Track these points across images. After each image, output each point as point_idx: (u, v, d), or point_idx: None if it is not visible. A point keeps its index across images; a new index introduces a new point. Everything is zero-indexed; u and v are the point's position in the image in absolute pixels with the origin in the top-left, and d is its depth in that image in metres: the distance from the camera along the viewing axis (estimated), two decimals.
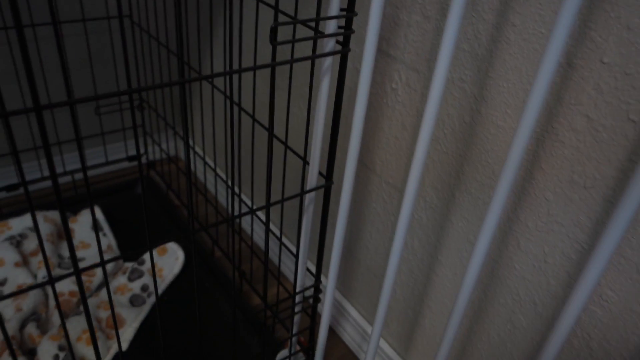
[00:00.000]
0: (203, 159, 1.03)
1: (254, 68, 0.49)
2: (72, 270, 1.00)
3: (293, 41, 0.49)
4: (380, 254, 0.80)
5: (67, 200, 1.16)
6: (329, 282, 0.65)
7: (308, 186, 0.64)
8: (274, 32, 0.48)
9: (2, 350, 0.82)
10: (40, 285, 0.46)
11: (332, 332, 0.96)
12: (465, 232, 0.64)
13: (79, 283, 0.48)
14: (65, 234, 0.45)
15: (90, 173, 1.28)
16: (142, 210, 1.17)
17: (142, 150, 1.31)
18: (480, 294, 0.66)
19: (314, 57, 0.54)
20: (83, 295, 0.50)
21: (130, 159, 1.26)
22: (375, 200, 0.78)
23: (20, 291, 0.45)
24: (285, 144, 0.66)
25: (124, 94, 0.41)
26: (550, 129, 0.52)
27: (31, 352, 0.83)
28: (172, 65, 1.14)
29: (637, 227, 0.47)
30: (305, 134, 0.61)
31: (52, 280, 0.47)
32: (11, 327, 0.87)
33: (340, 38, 0.55)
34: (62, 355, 0.81)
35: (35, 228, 0.43)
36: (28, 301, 0.90)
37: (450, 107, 0.62)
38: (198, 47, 0.88)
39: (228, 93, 0.94)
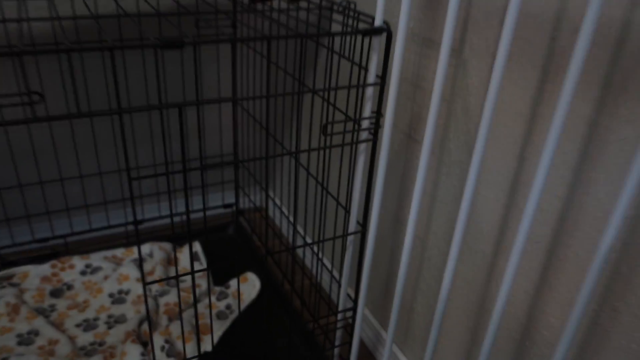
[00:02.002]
0: (280, 208, 1.32)
1: (310, 150, 0.77)
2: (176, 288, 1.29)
3: (340, 133, 0.77)
4: (408, 292, 1.03)
5: (176, 236, 1.48)
6: (360, 303, 0.89)
7: (349, 231, 0.90)
8: (324, 127, 0.75)
9: (127, 338, 1.12)
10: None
11: (372, 356, 1.18)
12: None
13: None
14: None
15: (193, 216, 1.61)
16: (232, 248, 1.47)
17: (234, 200, 1.63)
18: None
19: (354, 143, 0.81)
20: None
21: (225, 206, 1.58)
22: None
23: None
24: (336, 199, 0.93)
25: (228, 163, 0.70)
26: None
27: (144, 344, 1.13)
28: (264, 138, 1.45)
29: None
30: (348, 193, 0.88)
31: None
32: (132, 324, 1.17)
33: (372, 130, 0.82)
34: (167, 346, 1.09)
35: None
36: (144, 307, 1.21)
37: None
38: (282, 128, 1.19)
39: (303, 165, 1.23)
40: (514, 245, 0.61)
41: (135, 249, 1.40)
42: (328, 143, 0.80)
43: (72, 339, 1.14)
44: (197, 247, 1.44)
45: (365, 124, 0.80)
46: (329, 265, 1.33)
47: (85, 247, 1.44)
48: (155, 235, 1.49)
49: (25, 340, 1.13)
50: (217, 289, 1.31)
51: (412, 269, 1.00)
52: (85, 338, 1.15)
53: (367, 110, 0.80)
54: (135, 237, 1.51)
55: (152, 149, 1.46)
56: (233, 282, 1.31)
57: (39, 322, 1.16)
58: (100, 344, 1.14)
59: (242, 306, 1.25)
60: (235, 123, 1.48)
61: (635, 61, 0.55)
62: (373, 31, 0.72)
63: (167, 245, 1.42)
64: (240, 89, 1.45)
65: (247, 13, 1.03)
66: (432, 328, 0.77)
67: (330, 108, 1.05)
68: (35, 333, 1.14)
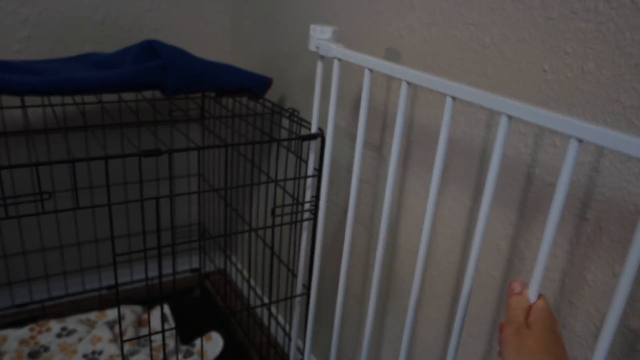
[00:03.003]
0: (240, 272, 1.49)
1: (258, 228, 0.96)
2: (148, 346, 1.43)
3: (288, 213, 0.96)
4: (351, 342, 1.21)
5: (146, 299, 1.63)
6: (306, 355, 1.06)
7: (297, 292, 1.08)
8: (273, 211, 0.95)
9: None
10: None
11: None
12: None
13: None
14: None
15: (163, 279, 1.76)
16: (198, 309, 1.62)
17: (200, 265, 1.79)
18: None
19: (298, 221, 1.01)
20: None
21: (192, 271, 1.74)
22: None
23: None
24: (287, 266, 1.11)
25: (194, 241, 0.88)
26: None
27: None
28: (222, 206, 1.65)
29: None
30: (295, 260, 1.06)
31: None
32: None
33: (312, 211, 1.02)
34: None
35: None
36: None
37: None
38: (243, 201, 1.38)
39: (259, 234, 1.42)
40: None
41: (108, 312, 1.54)
42: (278, 221, 0.99)
43: None
44: (166, 309, 1.58)
45: (306, 206, 1.01)
46: (282, 321, 1.50)
47: (61, 311, 1.56)
48: (126, 299, 1.63)
49: None
50: (184, 347, 1.45)
51: (352, 320, 1.18)
52: None
53: (308, 195, 1.01)
54: (107, 301, 1.65)
55: (127, 219, 1.62)
56: (198, 341, 1.46)
57: None
58: None
59: None
60: (201, 207, 1.67)
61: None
62: (310, 137, 0.94)
63: (138, 308, 1.56)
64: (207, 165, 1.65)
65: (214, 117, 1.25)
66: None
67: (280, 190, 1.26)
68: None
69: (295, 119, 1.02)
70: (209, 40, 1.56)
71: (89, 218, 1.58)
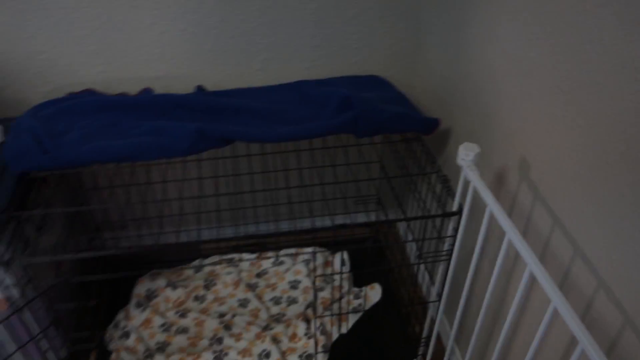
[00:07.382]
0: (405, 231, 1.92)
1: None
2: (331, 284, 2.01)
3: None
4: None
5: (331, 245, 2.18)
6: (436, 324, 1.49)
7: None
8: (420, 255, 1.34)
9: (298, 316, 1.85)
10: None
11: None
12: None
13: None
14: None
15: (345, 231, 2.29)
16: (369, 258, 2.13)
17: (374, 219, 2.26)
18: None
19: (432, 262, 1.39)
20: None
21: (367, 224, 2.23)
22: None
23: None
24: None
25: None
26: None
27: (307, 321, 1.86)
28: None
29: None
30: None
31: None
32: (302, 306, 1.91)
33: None
34: (321, 327, 1.80)
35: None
36: (310, 296, 1.94)
37: None
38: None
39: None
40: None
41: (304, 251, 2.14)
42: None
43: (267, 309, 1.92)
44: (345, 255, 2.12)
45: (446, 244, 1.37)
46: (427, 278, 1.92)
47: (274, 244, 2.21)
48: (314, 243, 2.21)
49: (243, 303, 1.92)
50: (356, 289, 1.98)
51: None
52: (275, 310, 1.91)
53: (450, 229, 1.36)
54: (305, 242, 2.25)
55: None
56: (365, 288, 1.98)
57: (250, 295, 1.95)
58: (283, 315, 1.89)
59: (367, 305, 1.92)
60: (380, 185, 2.08)
61: None
62: (449, 214, 1.28)
63: (326, 252, 2.12)
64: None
65: None
66: None
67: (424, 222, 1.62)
68: (248, 301, 1.93)
69: (446, 188, 1.34)
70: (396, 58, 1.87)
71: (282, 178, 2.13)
